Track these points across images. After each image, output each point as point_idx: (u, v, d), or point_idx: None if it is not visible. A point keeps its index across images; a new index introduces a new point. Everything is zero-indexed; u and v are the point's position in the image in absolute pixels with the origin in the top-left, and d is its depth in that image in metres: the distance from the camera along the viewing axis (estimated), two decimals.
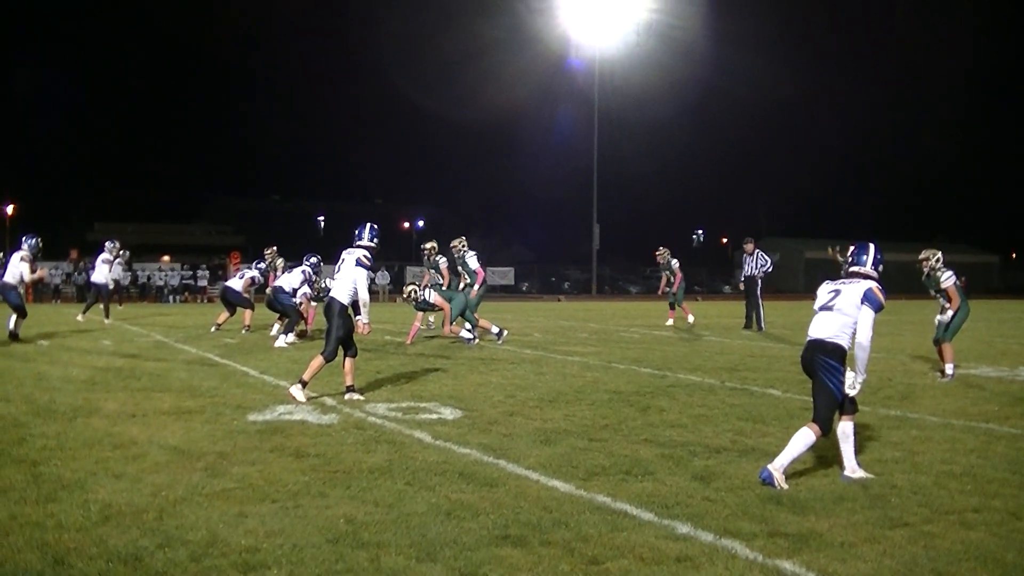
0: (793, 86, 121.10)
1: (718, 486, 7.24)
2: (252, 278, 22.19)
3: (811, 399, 7.62)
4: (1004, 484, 7.45)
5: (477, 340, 19.02)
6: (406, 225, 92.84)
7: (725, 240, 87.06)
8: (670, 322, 26.75)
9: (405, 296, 19.71)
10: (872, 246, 7.98)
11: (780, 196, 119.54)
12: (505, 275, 71.36)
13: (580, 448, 8.62)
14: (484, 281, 20.63)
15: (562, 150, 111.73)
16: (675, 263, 26.71)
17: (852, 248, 8.11)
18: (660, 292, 28.59)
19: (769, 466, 7.26)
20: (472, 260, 20.43)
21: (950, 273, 14.33)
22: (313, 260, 20.76)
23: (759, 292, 25.04)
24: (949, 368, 14.17)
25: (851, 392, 7.60)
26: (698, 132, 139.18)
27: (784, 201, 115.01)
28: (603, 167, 68.67)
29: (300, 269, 20.12)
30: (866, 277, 7.79)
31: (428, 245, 22.39)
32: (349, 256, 11.58)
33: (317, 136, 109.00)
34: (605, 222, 69.60)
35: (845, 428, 7.64)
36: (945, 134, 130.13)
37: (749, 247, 25.67)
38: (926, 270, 14.36)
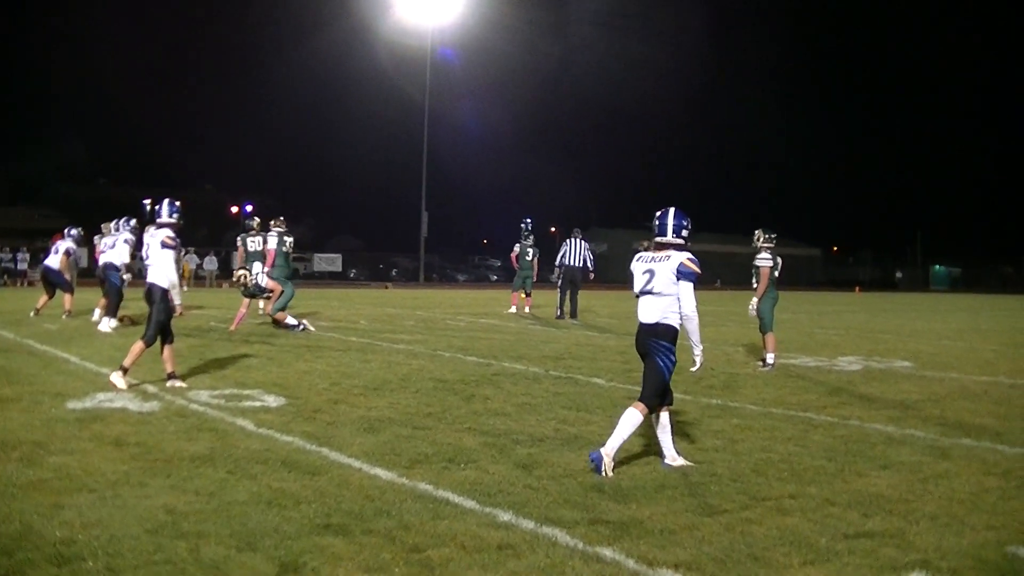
0: (629, 79, 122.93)
1: (540, 474, 7.37)
2: (68, 250, 21.35)
3: (637, 388, 7.78)
4: (820, 471, 7.77)
5: (303, 327, 18.81)
6: (235, 210, 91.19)
7: (554, 230, 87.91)
8: (525, 309, 27.07)
9: (235, 280, 19.38)
10: (672, 211, 7.84)
11: (612, 187, 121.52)
12: (333, 261, 70.87)
13: (404, 436, 8.68)
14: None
15: (393, 137, 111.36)
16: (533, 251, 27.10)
17: (657, 213, 7.91)
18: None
19: (601, 449, 7.40)
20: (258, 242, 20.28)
21: (767, 255, 14.70)
22: (74, 232, 20.74)
23: (578, 282, 25.48)
24: (770, 358, 14.63)
25: (694, 369, 7.89)
26: (532, 121, 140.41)
27: (615, 192, 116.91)
28: (434, 155, 68.69)
29: (122, 239, 19.33)
30: (673, 247, 7.73)
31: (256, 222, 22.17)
32: (153, 240, 11.38)
33: (147, 121, 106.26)
34: (435, 210, 69.67)
35: (662, 418, 7.79)
36: (774, 131, 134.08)
37: (575, 238, 25.89)
38: (756, 245, 14.81)
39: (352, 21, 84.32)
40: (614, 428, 7.52)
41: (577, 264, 25.37)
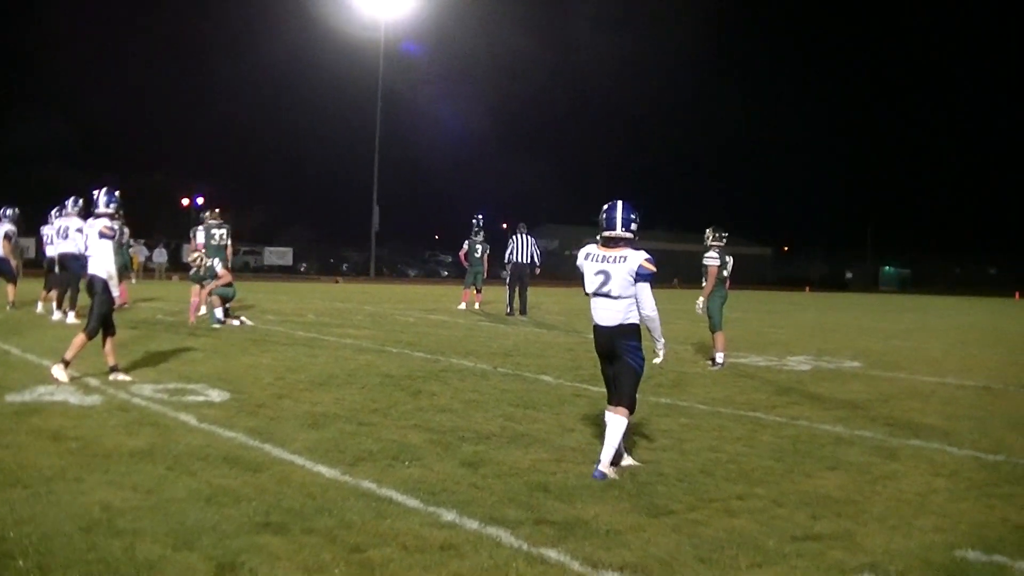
0: (585, 74, 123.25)
1: (486, 472, 7.28)
2: (7, 234, 20.69)
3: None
4: (768, 472, 7.73)
5: (234, 322, 18.48)
6: (185, 202, 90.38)
7: (504, 225, 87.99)
8: (475, 305, 26.98)
9: (190, 260, 19.10)
10: (620, 204, 7.58)
11: (563, 183, 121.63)
12: (283, 255, 70.55)
13: (348, 432, 8.56)
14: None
15: (347, 129, 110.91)
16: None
17: (605, 207, 7.63)
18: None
19: (599, 467, 7.27)
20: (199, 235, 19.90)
21: (714, 254, 14.65)
22: (10, 212, 20.37)
23: (526, 278, 25.43)
24: (720, 357, 14.63)
25: (657, 360, 7.90)
26: (486, 116, 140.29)
27: (566, 188, 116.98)
28: (386, 148, 68.44)
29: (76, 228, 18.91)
30: (624, 241, 7.51)
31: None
32: (91, 230, 11.18)
33: (99, 106, 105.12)
34: (386, 204, 69.39)
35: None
36: (727, 129, 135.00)
37: (521, 233, 25.72)
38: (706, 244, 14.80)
39: (308, 11, 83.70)
40: (603, 441, 7.40)
41: (525, 260, 25.28)
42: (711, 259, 14.59)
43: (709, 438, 9.04)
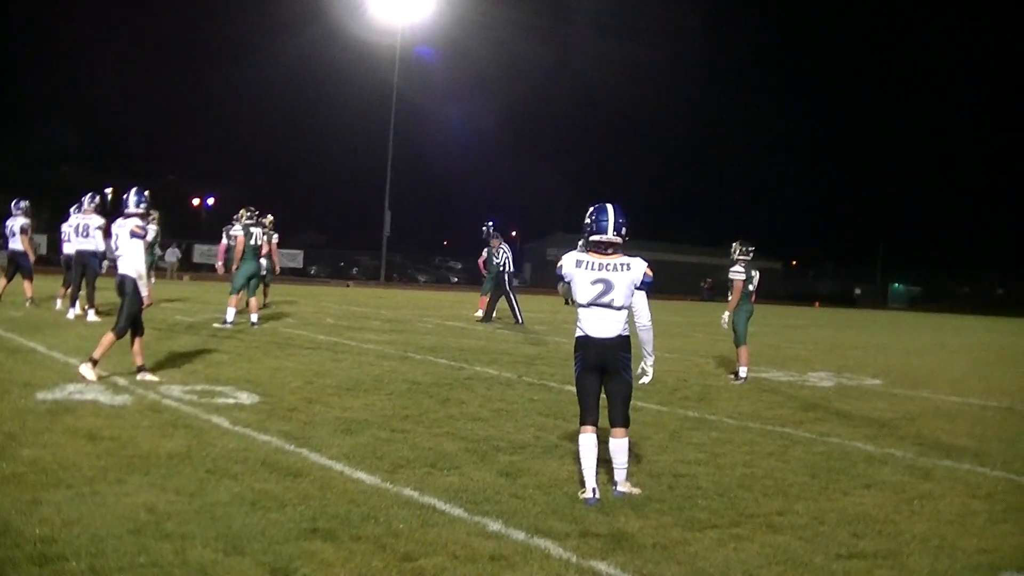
0: (601, 83, 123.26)
1: (525, 483, 7.27)
2: (23, 227, 20.58)
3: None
4: (805, 488, 7.71)
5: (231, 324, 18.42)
6: (196, 202, 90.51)
7: (515, 233, 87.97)
8: (479, 313, 26.97)
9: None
10: (611, 207, 7.21)
11: (575, 192, 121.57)
12: (294, 258, 70.47)
13: (383, 439, 8.55)
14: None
15: (359, 133, 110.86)
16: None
17: (591, 210, 7.30)
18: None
19: (617, 487, 7.13)
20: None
21: (740, 268, 14.59)
22: (23, 205, 20.50)
23: (507, 285, 25.30)
24: (743, 371, 14.61)
25: (646, 379, 7.53)
26: (500, 123, 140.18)
27: (578, 197, 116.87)
28: (399, 153, 68.44)
29: (96, 225, 18.81)
30: (616, 247, 7.20)
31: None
32: (122, 230, 11.18)
33: (113, 109, 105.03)
34: (398, 209, 69.38)
35: (593, 440, 7.23)
36: (738, 143, 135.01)
37: (495, 242, 25.64)
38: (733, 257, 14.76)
39: (323, 16, 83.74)
40: (613, 463, 7.19)
41: (512, 268, 25.58)
42: (737, 273, 14.54)
43: (742, 453, 9.02)
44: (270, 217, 23.75)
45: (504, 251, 25.37)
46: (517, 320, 24.88)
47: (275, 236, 23.91)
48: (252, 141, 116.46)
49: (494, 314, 25.62)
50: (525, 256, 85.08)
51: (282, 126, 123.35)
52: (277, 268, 25.26)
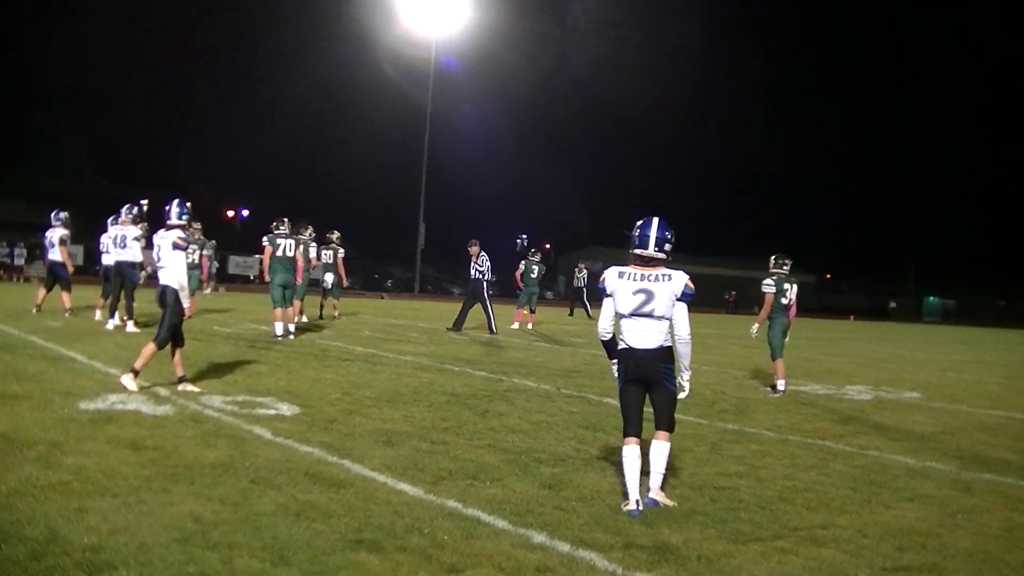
0: (632, 95, 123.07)
1: (568, 495, 7.25)
2: (62, 238, 20.67)
3: (647, 409, 7.37)
4: (847, 501, 7.67)
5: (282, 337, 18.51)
6: (230, 214, 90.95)
7: (548, 246, 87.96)
8: (528, 325, 26.99)
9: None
10: (656, 221, 7.26)
11: (608, 206, 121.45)
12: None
13: (423, 451, 8.55)
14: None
15: (392, 145, 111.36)
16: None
17: (639, 223, 7.34)
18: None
19: (650, 494, 7.09)
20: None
21: (770, 281, 14.64)
22: (62, 216, 20.83)
23: (485, 294, 25.02)
24: (781, 384, 14.58)
25: (683, 394, 7.53)
26: (533, 134, 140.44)
27: (611, 209, 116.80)
28: (431, 164, 68.66)
29: (134, 236, 18.91)
30: (659, 262, 7.23)
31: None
32: (164, 241, 11.24)
33: (145, 121, 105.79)
34: (430, 221, 69.56)
35: (637, 451, 7.28)
36: (771, 156, 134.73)
37: (474, 250, 25.24)
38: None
39: (356, 29, 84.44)
40: (650, 467, 7.18)
41: (491, 278, 25.45)
42: (767, 286, 14.57)
43: (782, 465, 8.98)
44: (336, 233, 24.43)
45: (484, 259, 25.14)
46: (491, 331, 24.51)
47: (341, 251, 24.95)
48: (286, 154, 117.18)
49: (494, 324, 25.36)
50: (558, 269, 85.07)
51: (315, 139, 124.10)
52: (344, 281, 25.89)
